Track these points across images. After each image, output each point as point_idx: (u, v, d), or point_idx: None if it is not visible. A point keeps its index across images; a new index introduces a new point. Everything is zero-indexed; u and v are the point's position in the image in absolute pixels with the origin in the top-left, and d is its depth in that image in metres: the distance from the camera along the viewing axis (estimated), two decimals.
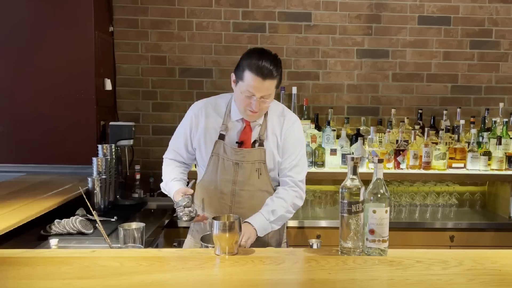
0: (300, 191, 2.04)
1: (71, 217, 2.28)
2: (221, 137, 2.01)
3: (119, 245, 1.78)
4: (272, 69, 1.85)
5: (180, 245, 2.96)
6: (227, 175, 2.00)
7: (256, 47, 1.94)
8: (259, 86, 1.85)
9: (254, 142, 2.01)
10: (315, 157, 3.15)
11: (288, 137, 2.04)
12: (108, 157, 2.81)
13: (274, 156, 2.03)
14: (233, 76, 1.95)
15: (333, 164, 3.13)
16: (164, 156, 2.19)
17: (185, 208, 1.84)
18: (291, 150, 2.04)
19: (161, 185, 2.11)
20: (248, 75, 1.85)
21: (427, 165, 3.15)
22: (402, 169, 3.15)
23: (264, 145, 2.01)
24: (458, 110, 3.45)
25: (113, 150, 2.88)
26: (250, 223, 1.91)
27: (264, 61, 1.83)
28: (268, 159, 2.02)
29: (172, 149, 2.16)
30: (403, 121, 3.45)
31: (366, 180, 1.63)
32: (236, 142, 2.01)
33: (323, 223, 3.03)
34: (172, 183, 2.03)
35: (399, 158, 3.14)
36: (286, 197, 2.00)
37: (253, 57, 1.85)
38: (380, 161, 1.63)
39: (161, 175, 3.43)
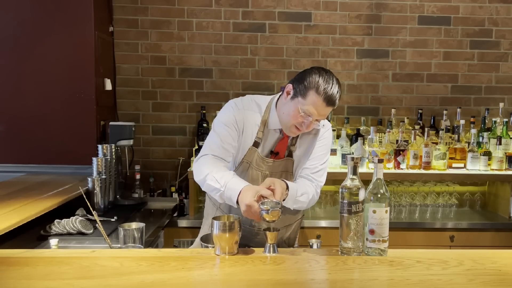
0: (317, 195, 2.00)
1: (71, 217, 2.28)
2: (256, 144, 1.92)
3: (119, 245, 1.78)
4: (338, 99, 1.81)
5: (180, 245, 2.97)
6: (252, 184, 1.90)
7: (322, 67, 1.86)
8: (321, 111, 1.81)
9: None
10: None
11: (319, 141, 1.99)
12: (108, 157, 2.81)
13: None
14: (289, 87, 1.85)
15: (333, 164, 3.12)
16: (203, 154, 1.89)
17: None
18: (318, 152, 1.99)
19: (210, 183, 1.78)
20: (313, 97, 1.78)
21: (427, 165, 3.15)
22: (402, 169, 3.15)
23: (293, 156, 1.97)
24: (458, 110, 3.45)
25: (113, 150, 2.88)
26: (286, 183, 1.82)
27: (333, 88, 1.78)
28: (296, 171, 1.99)
29: (218, 145, 1.87)
30: (403, 121, 3.45)
31: (366, 180, 1.63)
32: (272, 152, 1.95)
33: (323, 223, 3.03)
34: (235, 179, 1.77)
35: (399, 158, 3.14)
36: (309, 191, 1.95)
37: (322, 79, 1.78)
38: (380, 161, 1.63)
39: (161, 176, 3.49)
